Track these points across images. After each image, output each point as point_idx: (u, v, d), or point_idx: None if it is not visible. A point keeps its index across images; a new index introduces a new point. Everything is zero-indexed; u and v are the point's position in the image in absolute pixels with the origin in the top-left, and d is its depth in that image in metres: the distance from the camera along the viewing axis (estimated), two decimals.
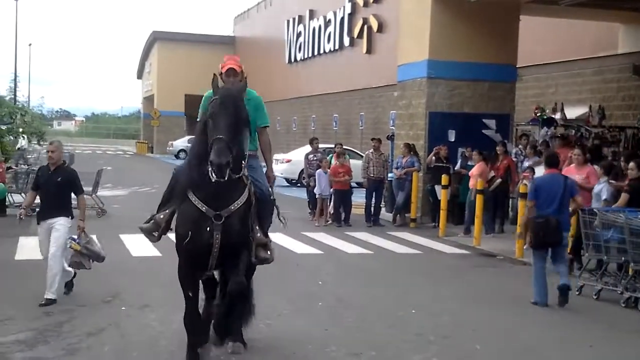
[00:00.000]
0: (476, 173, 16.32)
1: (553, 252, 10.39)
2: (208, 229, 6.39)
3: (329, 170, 18.13)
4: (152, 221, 7.01)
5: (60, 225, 9.49)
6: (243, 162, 6.59)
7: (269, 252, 7.03)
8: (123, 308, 9.26)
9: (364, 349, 7.80)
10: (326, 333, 8.38)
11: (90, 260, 9.88)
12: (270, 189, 7.27)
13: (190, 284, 6.73)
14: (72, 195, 9.85)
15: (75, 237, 9.71)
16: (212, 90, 6.55)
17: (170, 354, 7.38)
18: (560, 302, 10.07)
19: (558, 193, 10.15)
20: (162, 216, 6.91)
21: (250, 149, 7.08)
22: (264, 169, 7.46)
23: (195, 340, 6.80)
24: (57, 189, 9.61)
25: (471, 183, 16.33)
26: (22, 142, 35.00)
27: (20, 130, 34.87)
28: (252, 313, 7.54)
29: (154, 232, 6.99)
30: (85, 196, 18.61)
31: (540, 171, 14.32)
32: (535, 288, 10.28)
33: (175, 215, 6.75)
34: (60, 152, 9.91)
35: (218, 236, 6.40)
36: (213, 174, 6.12)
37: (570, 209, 10.63)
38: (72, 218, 9.76)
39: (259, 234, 6.88)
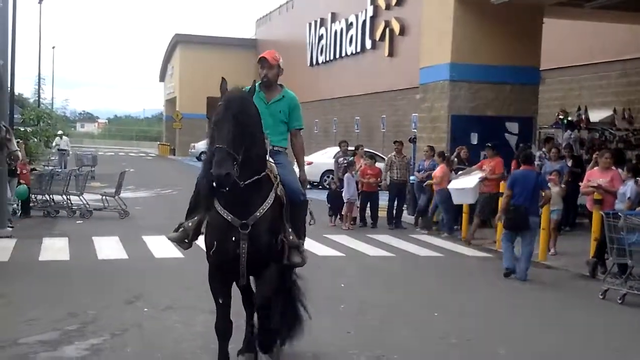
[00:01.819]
0: (439, 175, 16.72)
1: (522, 236, 12.18)
2: (234, 238, 6.12)
3: (357, 173, 18.14)
4: (182, 229, 6.69)
5: None
6: (264, 160, 6.31)
7: (300, 256, 6.69)
8: (146, 309, 9.28)
9: (386, 351, 7.77)
10: (348, 336, 8.36)
11: None
12: (301, 189, 6.92)
13: (219, 292, 6.41)
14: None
15: None
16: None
17: (193, 355, 7.39)
18: (505, 274, 12.12)
19: (530, 186, 12.02)
20: (190, 224, 6.59)
21: (281, 146, 6.89)
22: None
23: (225, 347, 6.49)
24: None
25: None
26: (61, 143, 35.18)
27: (61, 132, 35.13)
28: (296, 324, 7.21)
29: (185, 239, 6.66)
30: (108, 198, 19.00)
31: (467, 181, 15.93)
32: (505, 257, 12.32)
33: (204, 223, 6.50)
34: None
35: (245, 246, 6.12)
36: (215, 185, 5.95)
37: (541, 202, 12.49)
38: None
39: (291, 237, 6.51)
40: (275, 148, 6.77)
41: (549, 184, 13.86)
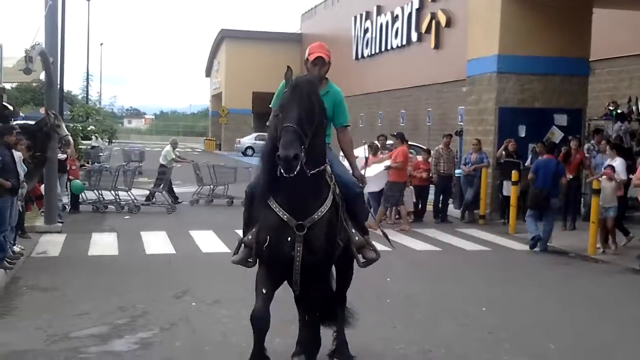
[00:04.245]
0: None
1: (544, 215, 14.10)
2: (289, 239, 5.83)
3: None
4: (242, 246, 6.31)
5: None
6: (325, 151, 6.07)
7: (373, 251, 6.51)
8: (193, 304, 9.36)
9: (433, 346, 7.73)
10: (395, 330, 8.34)
11: None
12: (355, 181, 6.66)
13: (265, 282, 6.10)
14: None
15: None
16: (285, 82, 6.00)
17: (240, 348, 7.42)
18: (531, 246, 14.13)
19: (550, 172, 14.00)
20: (250, 237, 6.18)
21: (327, 142, 6.52)
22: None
23: (261, 339, 6.21)
24: None
25: None
26: (96, 141, 35.62)
27: (91, 128, 35.44)
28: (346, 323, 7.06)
29: (248, 258, 6.26)
30: (156, 193, 19.19)
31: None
32: (530, 230, 14.35)
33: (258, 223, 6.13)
34: None
35: (300, 248, 5.83)
36: (281, 169, 5.54)
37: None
38: None
39: (357, 237, 6.34)
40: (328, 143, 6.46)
41: (603, 177, 13.64)
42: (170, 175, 20.79)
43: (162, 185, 19.67)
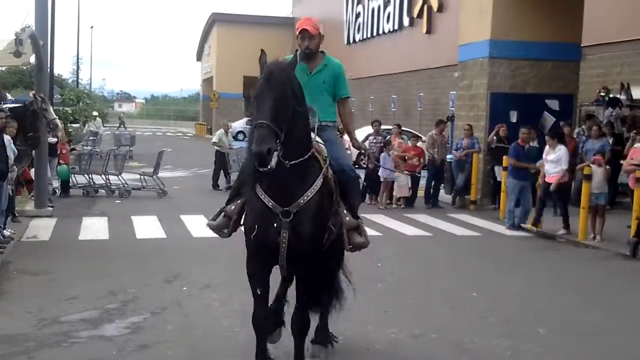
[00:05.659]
0: None
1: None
2: (275, 225, 5.65)
3: (392, 152, 17.97)
4: (222, 214, 6.28)
5: None
6: (310, 139, 5.82)
7: (363, 236, 6.30)
8: (185, 288, 9.36)
9: (424, 331, 7.75)
10: (386, 315, 8.36)
11: None
12: (351, 165, 6.51)
13: (257, 281, 5.96)
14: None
15: None
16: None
17: (232, 333, 7.44)
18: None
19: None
20: (233, 207, 6.16)
21: (329, 120, 6.49)
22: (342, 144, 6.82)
23: (263, 341, 6.17)
24: None
25: None
26: (93, 125, 35.43)
27: (95, 113, 35.29)
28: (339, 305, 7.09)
29: (224, 228, 6.27)
30: (146, 177, 19.15)
31: None
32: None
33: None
34: None
35: (286, 235, 5.64)
36: (256, 164, 5.30)
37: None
38: None
39: (347, 218, 6.14)
40: (323, 123, 6.36)
41: (593, 164, 13.62)
42: (225, 159, 20.70)
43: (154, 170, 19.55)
